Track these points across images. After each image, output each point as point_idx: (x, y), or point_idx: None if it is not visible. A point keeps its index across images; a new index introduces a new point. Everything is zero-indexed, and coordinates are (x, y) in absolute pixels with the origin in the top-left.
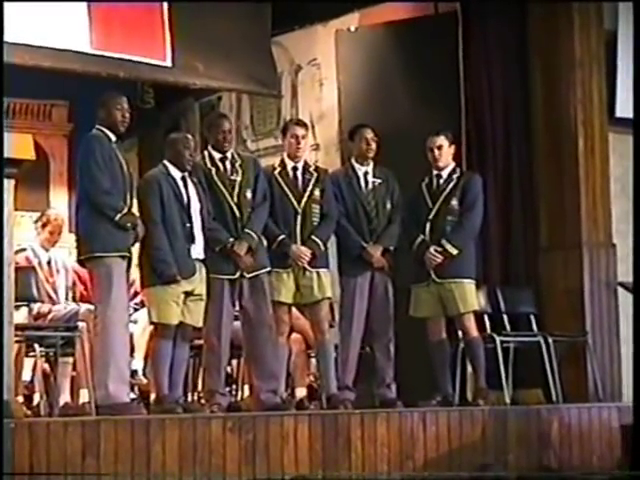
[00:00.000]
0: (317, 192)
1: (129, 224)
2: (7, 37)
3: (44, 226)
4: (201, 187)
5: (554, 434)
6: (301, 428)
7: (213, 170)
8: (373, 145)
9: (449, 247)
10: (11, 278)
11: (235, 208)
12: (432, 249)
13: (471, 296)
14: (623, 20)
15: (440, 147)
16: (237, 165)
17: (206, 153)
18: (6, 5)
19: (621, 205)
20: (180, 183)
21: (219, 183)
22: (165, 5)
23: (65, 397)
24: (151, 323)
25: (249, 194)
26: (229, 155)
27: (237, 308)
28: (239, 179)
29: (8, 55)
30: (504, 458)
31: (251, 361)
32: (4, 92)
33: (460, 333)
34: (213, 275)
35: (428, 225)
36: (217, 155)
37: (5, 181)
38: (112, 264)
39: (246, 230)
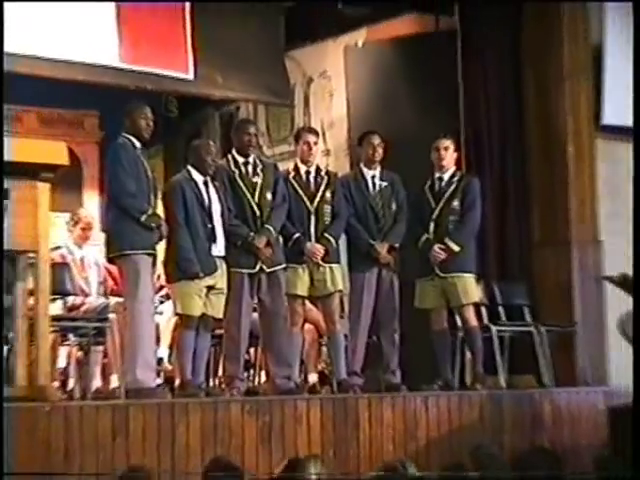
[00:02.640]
0: (328, 194)
1: (154, 224)
2: (43, 52)
3: (76, 224)
4: (224, 188)
5: (546, 416)
6: (313, 411)
7: (236, 172)
8: (379, 150)
9: (452, 244)
10: (47, 273)
11: (256, 207)
12: (436, 247)
13: (472, 289)
14: (609, 34)
15: (447, 148)
16: (258, 169)
17: (230, 157)
18: (41, 22)
19: (607, 205)
20: (202, 187)
21: (241, 184)
22: (188, 21)
23: (97, 383)
24: (176, 314)
25: (269, 195)
26: (251, 159)
27: (255, 301)
28: (260, 181)
29: (44, 69)
30: (499, 438)
31: (267, 349)
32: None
33: (460, 323)
34: (233, 269)
35: (432, 224)
36: (240, 159)
37: (40, 184)
38: (139, 261)
39: (266, 226)
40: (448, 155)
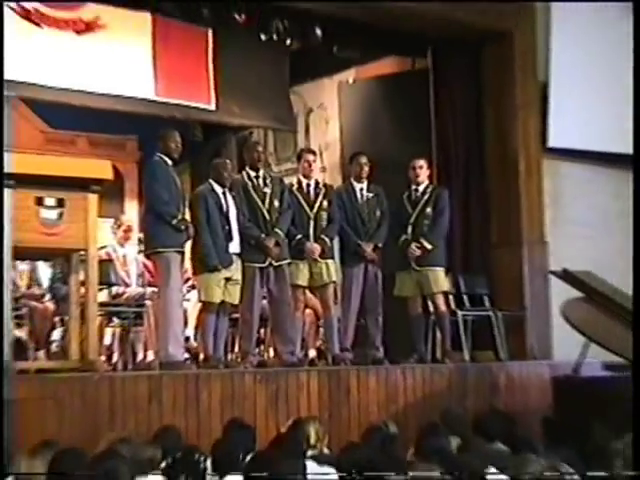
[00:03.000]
0: (325, 203)
1: (182, 227)
2: (93, 87)
3: (118, 227)
4: (239, 198)
5: (501, 384)
6: (312, 380)
7: (249, 184)
8: (366, 168)
9: (425, 243)
10: (95, 268)
11: (266, 213)
12: (413, 245)
13: (441, 280)
14: (553, 73)
15: (421, 167)
16: (267, 181)
17: (244, 172)
18: (91, 61)
19: (551, 212)
20: (221, 196)
21: (254, 194)
22: (210, 61)
23: (137, 357)
24: (199, 301)
25: (276, 203)
26: (261, 174)
27: (265, 290)
28: (269, 191)
29: (93, 101)
30: (464, 402)
31: (275, 330)
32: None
33: (432, 308)
34: (247, 264)
35: (409, 227)
36: (252, 173)
37: (90, 195)
38: (170, 257)
39: (275, 229)
40: (422, 172)
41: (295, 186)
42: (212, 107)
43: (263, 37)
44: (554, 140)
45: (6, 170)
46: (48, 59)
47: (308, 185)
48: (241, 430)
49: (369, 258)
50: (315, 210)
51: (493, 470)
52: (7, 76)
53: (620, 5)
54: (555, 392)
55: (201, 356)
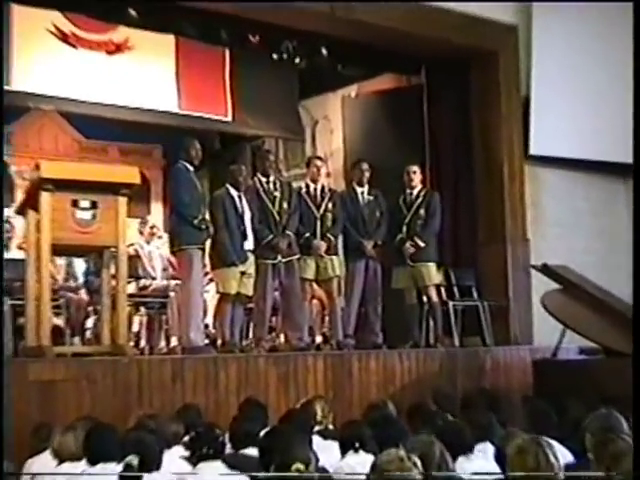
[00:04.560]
0: (330, 205)
1: (203, 226)
2: (122, 101)
3: (145, 226)
4: (252, 201)
5: (487, 367)
6: (318, 363)
7: (261, 189)
8: (367, 174)
9: (419, 242)
10: (125, 263)
11: (276, 214)
12: (408, 243)
13: (434, 274)
14: (534, 87)
15: (414, 172)
16: (277, 186)
17: (256, 178)
18: (120, 77)
19: (532, 213)
20: (237, 199)
21: (265, 198)
22: (227, 78)
23: (161, 342)
24: (218, 292)
25: (285, 205)
26: (272, 179)
27: (276, 283)
28: (279, 195)
29: (123, 114)
30: (454, 383)
31: (285, 318)
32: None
33: (425, 299)
34: (260, 260)
35: (404, 227)
36: (264, 179)
37: (120, 198)
38: (192, 253)
39: (286, 231)
40: (416, 177)
41: (303, 189)
42: (229, 119)
43: (275, 56)
44: (535, 148)
45: (46, 176)
46: (83, 76)
47: (315, 189)
48: (255, 408)
49: (369, 254)
50: (321, 211)
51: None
52: (47, 92)
53: (601, 15)
54: (535, 373)
55: (219, 341)
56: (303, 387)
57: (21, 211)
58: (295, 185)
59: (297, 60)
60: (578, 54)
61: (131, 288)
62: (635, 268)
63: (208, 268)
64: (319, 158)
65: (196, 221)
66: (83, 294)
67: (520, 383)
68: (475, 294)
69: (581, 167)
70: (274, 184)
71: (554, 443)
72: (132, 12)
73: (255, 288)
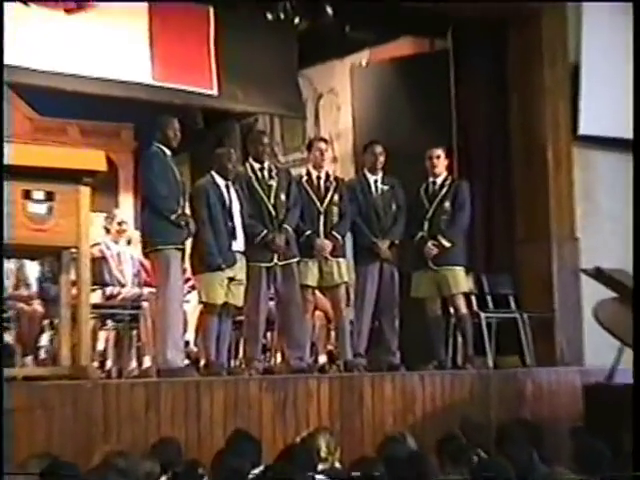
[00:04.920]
0: (336, 197)
1: (182, 223)
2: (84, 71)
3: (111, 222)
4: (243, 191)
5: (528, 393)
6: (323, 388)
7: (253, 177)
8: (381, 158)
9: (443, 241)
10: (88, 267)
11: (271, 208)
12: (430, 243)
13: (461, 280)
14: (585, 53)
15: (438, 157)
16: (273, 173)
17: (247, 164)
18: (82, 42)
19: (582, 206)
20: (224, 190)
21: (258, 188)
22: (212, 43)
23: (132, 363)
24: (200, 302)
25: (283, 197)
26: (266, 165)
27: (271, 290)
28: (275, 184)
29: (85, 86)
30: (487, 412)
31: (282, 333)
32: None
33: (452, 310)
34: (252, 263)
35: (426, 223)
36: (257, 165)
37: (82, 188)
38: (170, 255)
39: (284, 226)
40: (439, 162)
41: (304, 178)
42: (214, 92)
43: (269, 16)
44: (586, 127)
45: None
46: (35, 40)
47: (318, 177)
48: (246, 442)
49: (384, 256)
50: (326, 204)
51: None
52: None
53: None
54: (586, 401)
55: (202, 362)
56: (304, 417)
57: None
58: (294, 173)
59: (296, 21)
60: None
61: (95, 297)
62: (635, 268)
63: (189, 273)
64: (323, 140)
65: (174, 216)
66: (37, 305)
67: (568, 412)
68: (513, 304)
69: None
70: (269, 171)
71: None
72: None
73: (246, 297)
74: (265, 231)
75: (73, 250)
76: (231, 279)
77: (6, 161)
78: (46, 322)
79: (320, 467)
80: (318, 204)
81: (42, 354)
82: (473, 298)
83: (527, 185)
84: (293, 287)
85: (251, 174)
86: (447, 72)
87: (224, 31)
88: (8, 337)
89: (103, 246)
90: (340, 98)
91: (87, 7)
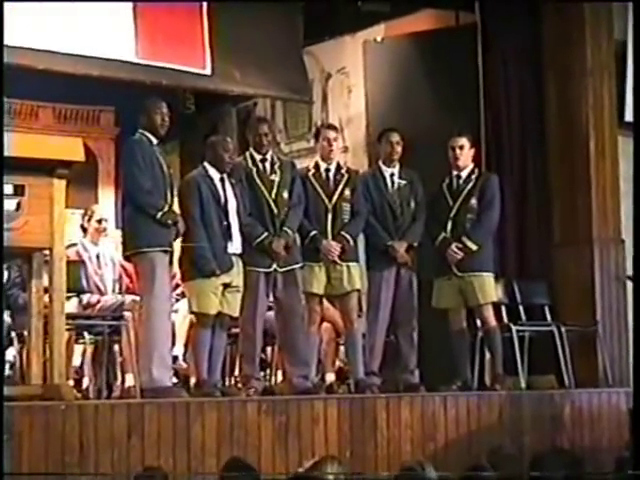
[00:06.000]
0: (347, 192)
1: (170, 221)
2: (58, 47)
3: (89, 220)
4: (241, 185)
5: (566, 417)
6: (330, 411)
7: (254, 170)
8: (398, 148)
9: (469, 243)
10: (62, 271)
11: (273, 205)
12: (453, 246)
13: (489, 288)
14: (632, 31)
15: (462, 147)
16: (276, 166)
17: (247, 154)
18: (56, 17)
19: (629, 203)
20: (218, 184)
21: (259, 182)
22: (205, 17)
23: (112, 381)
24: (191, 313)
25: (286, 194)
26: (268, 157)
27: (271, 299)
28: (277, 179)
29: (59, 64)
30: (519, 440)
31: (284, 348)
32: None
33: (479, 323)
34: (250, 268)
35: (449, 223)
36: (258, 156)
37: (56, 181)
38: (155, 258)
39: (284, 228)
40: (463, 153)
41: (311, 171)
42: (207, 72)
43: None
44: (633, 113)
45: None
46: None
47: (327, 169)
48: (242, 472)
49: (401, 261)
50: (335, 200)
51: None
52: None
53: None
54: (634, 426)
55: (192, 381)
56: (309, 444)
57: None
58: (299, 164)
59: None
60: None
61: (71, 306)
62: (635, 268)
63: (178, 279)
64: (332, 127)
65: (160, 214)
66: (4, 315)
67: (612, 439)
68: (549, 316)
69: None
70: (270, 163)
71: None
72: None
73: (243, 307)
74: (264, 234)
75: (45, 252)
76: (226, 286)
77: None
78: (13, 335)
79: None
80: (326, 200)
81: (8, 371)
82: (503, 309)
83: (565, 179)
84: (296, 295)
85: (252, 166)
86: (474, 50)
87: (219, 3)
88: None
89: (80, 247)
90: (351, 79)
91: None
